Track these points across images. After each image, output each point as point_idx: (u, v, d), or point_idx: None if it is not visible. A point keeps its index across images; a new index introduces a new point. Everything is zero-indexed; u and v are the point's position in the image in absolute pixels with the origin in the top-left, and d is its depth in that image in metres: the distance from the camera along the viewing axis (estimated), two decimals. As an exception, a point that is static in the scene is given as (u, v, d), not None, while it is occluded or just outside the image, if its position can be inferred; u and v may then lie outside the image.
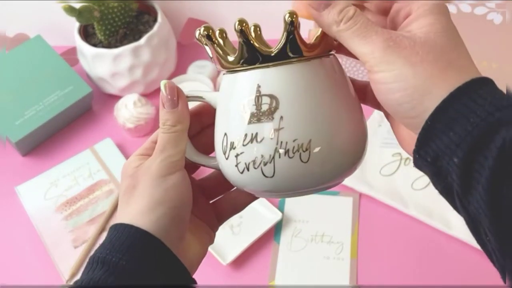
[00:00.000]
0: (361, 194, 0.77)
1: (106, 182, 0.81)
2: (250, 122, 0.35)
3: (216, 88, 0.89)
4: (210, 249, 0.71)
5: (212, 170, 0.42)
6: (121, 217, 0.36)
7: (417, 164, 0.33)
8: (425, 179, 0.76)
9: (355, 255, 0.71)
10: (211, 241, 0.42)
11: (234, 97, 0.36)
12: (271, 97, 0.35)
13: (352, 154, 0.37)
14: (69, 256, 0.73)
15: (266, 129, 0.35)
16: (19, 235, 0.77)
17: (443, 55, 0.31)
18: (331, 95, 0.36)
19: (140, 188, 0.36)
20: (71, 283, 0.70)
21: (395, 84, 0.31)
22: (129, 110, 0.85)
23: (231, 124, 0.36)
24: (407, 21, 0.33)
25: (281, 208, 0.76)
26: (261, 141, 0.35)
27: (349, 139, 0.36)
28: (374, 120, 0.84)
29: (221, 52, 0.36)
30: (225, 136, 0.37)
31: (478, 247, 0.76)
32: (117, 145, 0.86)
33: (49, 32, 0.95)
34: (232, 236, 0.73)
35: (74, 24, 0.90)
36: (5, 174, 0.85)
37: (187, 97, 0.39)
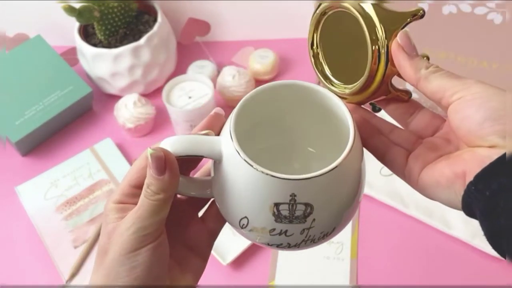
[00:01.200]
0: (361, 194, 0.77)
1: (106, 182, 0.81)
2: (281, 222, 0.35)
3: (216, 88, 0.89)
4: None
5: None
6: (93, 280, 0.36)
7: (468, 199, 0.32)
8: (425, 179, 0.76)
9: (355, 255, 0.71)
10: (199, 274, 0.40)
11: (260, 193, 0.35)
12: (307, 205, 0.34)
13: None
14: (69, 256, 0.73)
15: (297, 228, 0.35)
16: (19, 235, 0.77)
17: None
18: (357, 183, 0.37)
19: (108, 259, 0.35)
20: (71, 283, 0.70)
21: (488, 103, 0.32)
22: (129, 110, 0.85)
23: (255, 213, 0.35)
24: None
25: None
26: (290, 235, 0.36)
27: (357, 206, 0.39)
28: (374, 120, 0.84)
29: None
30: (246, 218, 0.36)
31: (478, 247, 0.76)
32: (117, 145, 0.86)
33: (49, 32, 0.95)
34: (232, 236, 0.73)
35: (74, 24, 0.90)
36: (5, 174, 0.85)
37: (180, 157, 0.35)
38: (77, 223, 0.76)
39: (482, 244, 0.69)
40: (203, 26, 0.99)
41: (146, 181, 0.35)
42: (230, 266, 0.71)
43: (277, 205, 0.34)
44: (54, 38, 0.94)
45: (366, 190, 0.76)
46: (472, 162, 0.32)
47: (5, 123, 0.83)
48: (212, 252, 0.70)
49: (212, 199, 0.41)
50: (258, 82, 0.92)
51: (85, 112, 0.92)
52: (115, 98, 0.91)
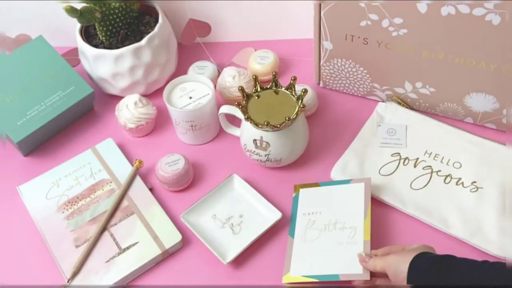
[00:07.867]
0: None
1: (107, 181, 0.81)
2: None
3: (216, 88, 0.90)
4: (210, 248, 0.72)
5: None
6: None
7: None
8: (424, 178, 0.77)
9: (368, 236, 0.69)
10: None
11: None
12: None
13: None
14: (70, 255, 0.73)
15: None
16: (21, 235, 0.78)
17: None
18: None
19: None
20: (73, 282, 0.71)
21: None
22: (130, 111, 0.85)
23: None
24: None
25: (294, 203, 0.76)
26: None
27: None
28: (374, 120, 0.84)
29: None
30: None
31: (476, 246, 0.76)
32: (118, 145, 0.86)
33: (51, 32, 0.95)
34: (232, 236, 0.74)
35: (75, 25, 0.91)
36: (7, 174, 0.86)
37: None
38: (79, 223, 0.77)
39: (481, 243, 0.69)
40: (203, 27, 1.00)
41: None
42: (230, 265, 0.72)
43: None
44: (55, 39, 0.95)
45: (366, 189, 0.76)
46: None
47: (7, 123, 0.83)
48: (212, 251, 0.71)
49: None
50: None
51: (86, 112, 0.93)
52: (116, 98, 0.92)
